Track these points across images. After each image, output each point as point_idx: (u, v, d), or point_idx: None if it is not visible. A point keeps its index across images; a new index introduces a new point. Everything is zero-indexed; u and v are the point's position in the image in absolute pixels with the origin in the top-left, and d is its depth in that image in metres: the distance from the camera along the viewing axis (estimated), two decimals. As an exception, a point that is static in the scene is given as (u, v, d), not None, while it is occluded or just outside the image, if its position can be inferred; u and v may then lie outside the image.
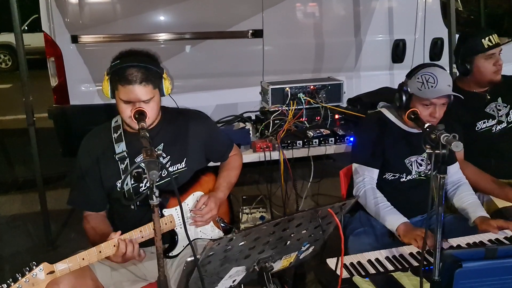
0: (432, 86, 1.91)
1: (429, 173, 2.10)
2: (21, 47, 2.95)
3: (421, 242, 1.76)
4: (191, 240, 1.88)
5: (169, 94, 1.87)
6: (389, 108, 2.17)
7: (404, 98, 1.99)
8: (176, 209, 1.86)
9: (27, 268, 1.52)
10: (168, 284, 1.44)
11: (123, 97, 1.74)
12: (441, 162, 1.26)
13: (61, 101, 3.59)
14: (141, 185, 1.85)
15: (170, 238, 1.88)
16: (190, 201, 1.94)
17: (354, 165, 2.13)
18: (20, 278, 1.50)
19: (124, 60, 1.75)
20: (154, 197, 1.23)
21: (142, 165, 1.34)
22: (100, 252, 1.62)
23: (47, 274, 1.53)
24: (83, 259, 1.59)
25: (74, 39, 3.50)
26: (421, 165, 2.10)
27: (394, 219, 1.92)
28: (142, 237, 1.73)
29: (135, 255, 1.67)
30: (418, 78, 1.96)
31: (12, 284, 1.47)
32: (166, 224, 1.83)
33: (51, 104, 3.68)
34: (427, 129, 1.49)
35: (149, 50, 1.90)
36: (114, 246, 1.63)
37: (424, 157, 2.10)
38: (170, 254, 1.88)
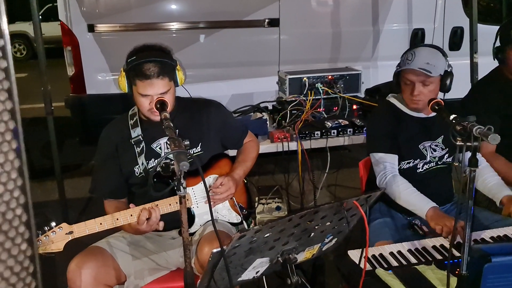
0: (408, 63, 1.95)
1: (447, 160, 2.09)
2: (39, 36, 2.96)
3: (446, 232, 1.73)
4: (207, 221, 1.93)
5: (182, 84, 1.94)
6: (396, 97, 2.16)
7: (395, 78, 2.05)
8: (193, 188, 1.91)
9: (47, 227, 1.60)
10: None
11: (141, 91, 1.80)
12: (473, 155, 1.23)
13: (78, 90, 3.60)
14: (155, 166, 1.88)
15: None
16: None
17: (372, 155, 2.10)
18: (40, 234, 1.57)
19: (140, 56, 1.82)
20: (181, 188, 1.22)
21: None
22: (117, 219, 1.70)
23: (66, 234, 1.62)
24: (100, 223, 1.67)
25: (91, 28, 3.50)
26: (435, 150, 2.07)
27: (422, 204, 1.88)
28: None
29: (157, 222, 1.73)
30: (402, 57, 2.01)
31: None
32: None
33: (66, 93, 3.70)
34: (453, 121, 1.46)
35: (161, 44, 1.97)
36: (141, 210, 1.70)
37: (438, 142, 2.08)
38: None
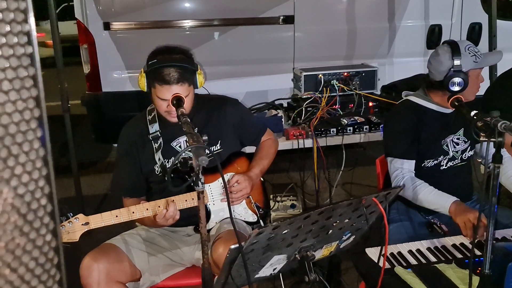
0: (481, 56, 1.92)
1: (469, 154, 2.05)
2: (56, 35, 2.99)
3: (471, 230, 1.69)
4: (223, 219, 1.93)
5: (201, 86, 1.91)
6: (416, 94, 2.10)
7: (464, 78, 1.86)
8: (209, 185, 1.90)
9: (63, 217, 1.61)
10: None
11: (159, 95, 1.78)
12: (497, 151, 1.20)
13: (94, 88, 3.63)
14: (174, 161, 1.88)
15: None
16: None
17: (389, 159, 2.05)
18: None
19: (161, 59, 1.77)
20: (200, 183, 1.22)
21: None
22: (133, 212, 1.71)
23: (82, 224, 1.63)
24: (116, 216, 1.69)
25: (106, 26, 3.52)
26: (457, 144, 2.04)
27: (444, 200, 1.84)
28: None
29: (175, 216, 1.74)
30: (469, 53, 1.92)
31: None
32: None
33: (82, 91, 3.73)
34: (475, 117, 1.42)
35: (183, 46, 1.92)
36: (159, 206, 1.73)
37: (459, 135, 2.04)
38: None
